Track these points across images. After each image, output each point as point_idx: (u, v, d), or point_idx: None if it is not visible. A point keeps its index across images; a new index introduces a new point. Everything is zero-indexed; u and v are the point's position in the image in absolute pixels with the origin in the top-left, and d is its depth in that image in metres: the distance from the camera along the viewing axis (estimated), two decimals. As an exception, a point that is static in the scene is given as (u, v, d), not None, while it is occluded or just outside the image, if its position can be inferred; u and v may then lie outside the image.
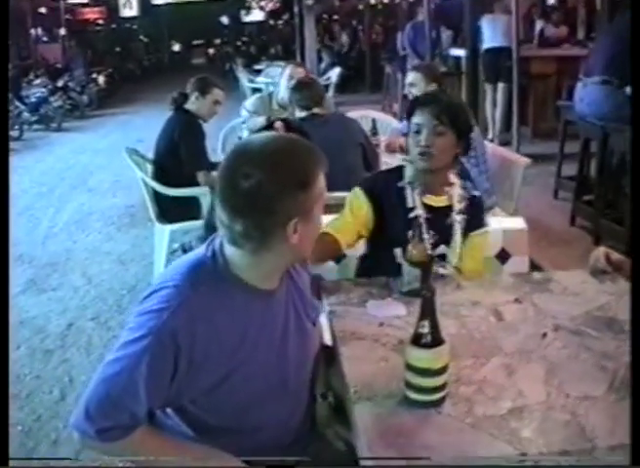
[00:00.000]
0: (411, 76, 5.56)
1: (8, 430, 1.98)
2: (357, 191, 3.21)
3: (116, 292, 6.11)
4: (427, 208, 3.14)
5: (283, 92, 6.81)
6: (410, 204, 3.14)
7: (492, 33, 10.53)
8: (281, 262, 2.15)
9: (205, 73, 6.31)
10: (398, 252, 3.00)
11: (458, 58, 12.25)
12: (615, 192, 6.53)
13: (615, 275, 2.98)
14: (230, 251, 2.10)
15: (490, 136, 10.42)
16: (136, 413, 2.03)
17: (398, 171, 3.25)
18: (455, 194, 3.20)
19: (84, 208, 9.25)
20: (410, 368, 2.02)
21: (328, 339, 2.63)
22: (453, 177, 3.25)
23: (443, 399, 2.05)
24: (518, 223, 3.84)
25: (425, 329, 1.99)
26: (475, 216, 3.26)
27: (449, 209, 3.18)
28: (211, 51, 40.89)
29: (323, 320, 2.71)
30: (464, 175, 5.22)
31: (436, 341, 2.00)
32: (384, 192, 3.18)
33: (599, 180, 6.60)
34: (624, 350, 2.31)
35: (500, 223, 3.85)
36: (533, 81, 10.77)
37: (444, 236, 3.17)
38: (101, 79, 21.68)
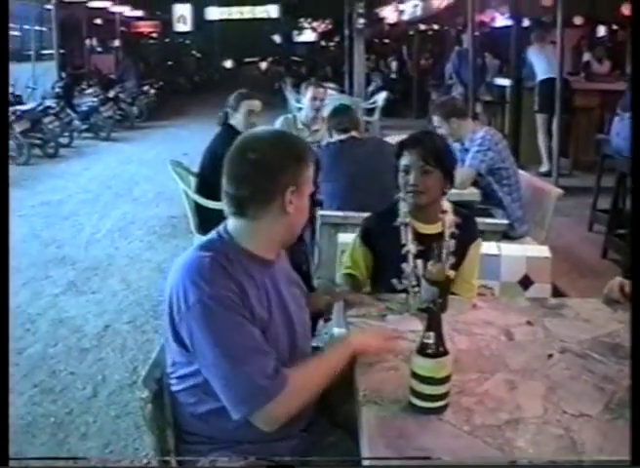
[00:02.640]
0: (433, 120, 5.74)
1: (8, 430, 2.12)
2: (356, 242, 3.49)
3: (153, 299, 6.31)
4: (422, 237, 3.37)
5: (306, 111, 7.11)
6: (403, 241, 3.38)
7: (547, 64, 10.58)
8: (278, 231, 2.45)
9: (253, 91, 6.46)
10: (395, 282, 3.34)
11: (502, 88, 12.35)
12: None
13: (628, 305, 3.08)
14: (233, 224, 2.43)
15: (545, 167, 10.46)
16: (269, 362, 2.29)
17: (393, 209, 3.48)
18: (447, 220, 3.41)
19: (127, 216, 9.49)
20: (414, 375, 2.17)
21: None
22: (445, 205, 3.46)
23: (444, 407, 2.18)
24: (542, 251, 3.95)
25: (430, 340, 2.14)
26: (468, 231, 3.46)
27: (442, 235, 3.39)
28: (263, 65, 41.17)
29: (342, 331, 2.88)
30: (497, 203, 5.38)
31: (440, 352, 2.14)
32: (381, 234, 3.45)
33: (632, 215, 6.66)
34: (625, 374, 2.43)
35: (525, 251, 3.97)
36: (577, 114, 10.82)
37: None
38: (152, 92, 22.00)
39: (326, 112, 6.42)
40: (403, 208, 3.43)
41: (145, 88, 21.57)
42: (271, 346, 2.35)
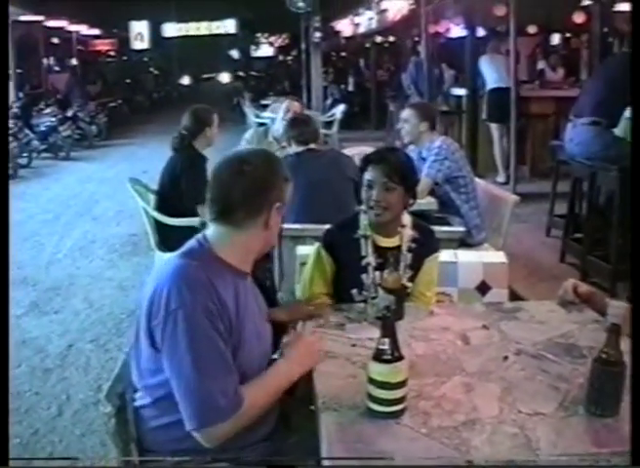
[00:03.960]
0: (405, 113, 5.76)
1: (8, 430, 2.16)
2: (319, 250, 3.51)
3: (116, 317, 6.31)
4: (381, 249, 3.42)
5: (278, 124, 7.04)
6: (363, 253, 3.44)
7: (497, 74, 10.71)
8: (256, 243, 2.57)
9: (212, 107, 6.44)
10: (355, 292, 3.40)
11: (459, 97, 12.47)
12: (602, 230, 6.67)
13: (582, 306, 3.15)
14: (214, 231, 2.53)
15: (502, 178, 10.60)
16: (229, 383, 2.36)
17: (353, 220, 3.53)
18: (405, 234, 3.48)
19: (88, 235, 9.46)
20: (371, 381, 2.22)
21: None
22: (405, 219, 3.52)
23: (402, 411, 2.24)
24: (498, 257, 4.02)
25: (385, 346, 2.20)
26: (427, 245, 3.53)
27: (400, 248, 3.46)
28: (225, 78, 41.01)
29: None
30: (454, 212, 5.45)
31: (395, 357, 2.20)
32: (342, 245, 3.49)
33: (587, 218, 6.77)
34: (579, 373, 2.50)
35: (482, 257, 4.03)
36: (532, 121, 10.96)
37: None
38: (110, 110, 21.88)
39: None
40: (364, 220, 3.48)
41: (101, 107, 21.38)
42: (245, 358, 2.44)
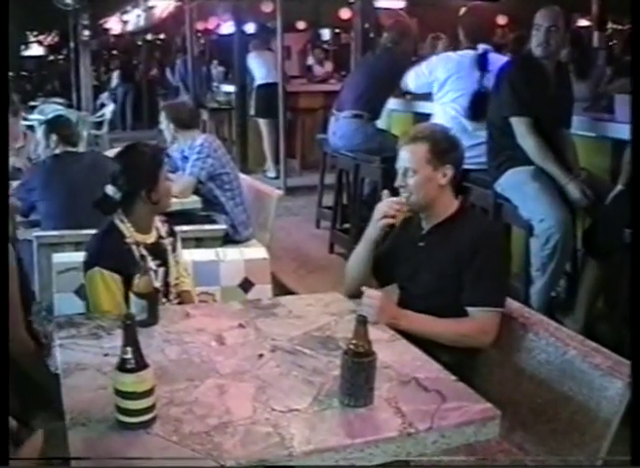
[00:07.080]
0: (160, 116, 5.72)
1: (8, 430, 2.12)
2: (104, 275, 3.18)
3: None
4: (150, 246, 3.35)
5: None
6: (138, 257, 3.26)
7: (265, 69, 10.78)
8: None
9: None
10: None
11: (229, 94, 12.50)
12: (367, 220, 6.82)
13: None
14: None
15: (272, 173, 10.68)
16: None
17: (114, 229, 3.32)
18: (159, 228, 3.46)
19: None
20: (117, 392, 2.15)
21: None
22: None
23: (151, 420, 2.17)
24: (259, 253, 4.03)
25: (128, 354, 2.12)
26: (174, 234, 3.59)
27: (159, 243, 3.42)
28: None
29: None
30: (220, 209, 5.43)
31: (139, 366, 2.13)
32: (116, 255, 3.23)
33: (353, 209, 6.92)
34: (335, 365, 2.50)
35: (243, 254, 4.02)
36: (301, 115, 11.13)
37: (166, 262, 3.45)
38: None
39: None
40: (126, 227, 3.30)
41: None
42: None
